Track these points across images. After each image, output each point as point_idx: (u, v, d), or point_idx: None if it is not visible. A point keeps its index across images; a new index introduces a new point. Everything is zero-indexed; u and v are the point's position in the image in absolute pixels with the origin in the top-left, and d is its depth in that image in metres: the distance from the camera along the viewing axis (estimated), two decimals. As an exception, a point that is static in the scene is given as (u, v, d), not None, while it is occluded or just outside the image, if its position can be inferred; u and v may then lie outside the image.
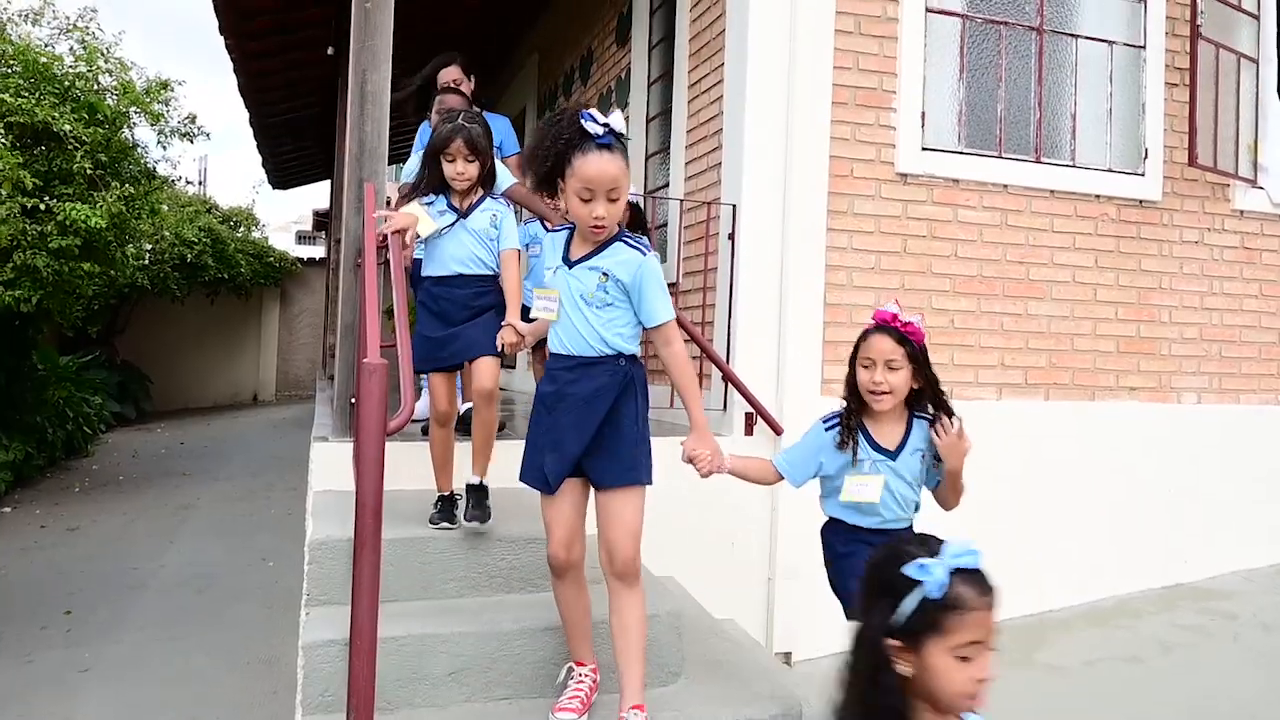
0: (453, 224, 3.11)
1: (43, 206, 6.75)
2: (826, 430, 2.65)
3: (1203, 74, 4.91)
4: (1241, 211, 5.25)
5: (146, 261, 11.27)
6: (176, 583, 5.45)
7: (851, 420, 2.59)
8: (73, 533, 6.41)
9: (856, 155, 4.48)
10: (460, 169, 3.06)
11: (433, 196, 3.15)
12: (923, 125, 4.55)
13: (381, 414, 2.29)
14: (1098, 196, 4.90)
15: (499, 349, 2.76)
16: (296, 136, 10.87)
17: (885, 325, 2.55)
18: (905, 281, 4.59)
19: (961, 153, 4.67)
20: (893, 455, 2.57)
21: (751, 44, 4.28)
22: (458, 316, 3.11)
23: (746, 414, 4.31)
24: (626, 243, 2.41)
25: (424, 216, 3.12)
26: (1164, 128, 5.02)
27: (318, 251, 19.10)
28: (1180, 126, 5.05)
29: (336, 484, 3.81)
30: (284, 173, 12.59)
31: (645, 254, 2.40)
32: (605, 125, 2.26)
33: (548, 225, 3.08)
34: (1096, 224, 4.92)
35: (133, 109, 8.25)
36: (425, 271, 3.20)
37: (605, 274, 2.37)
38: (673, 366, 2.47)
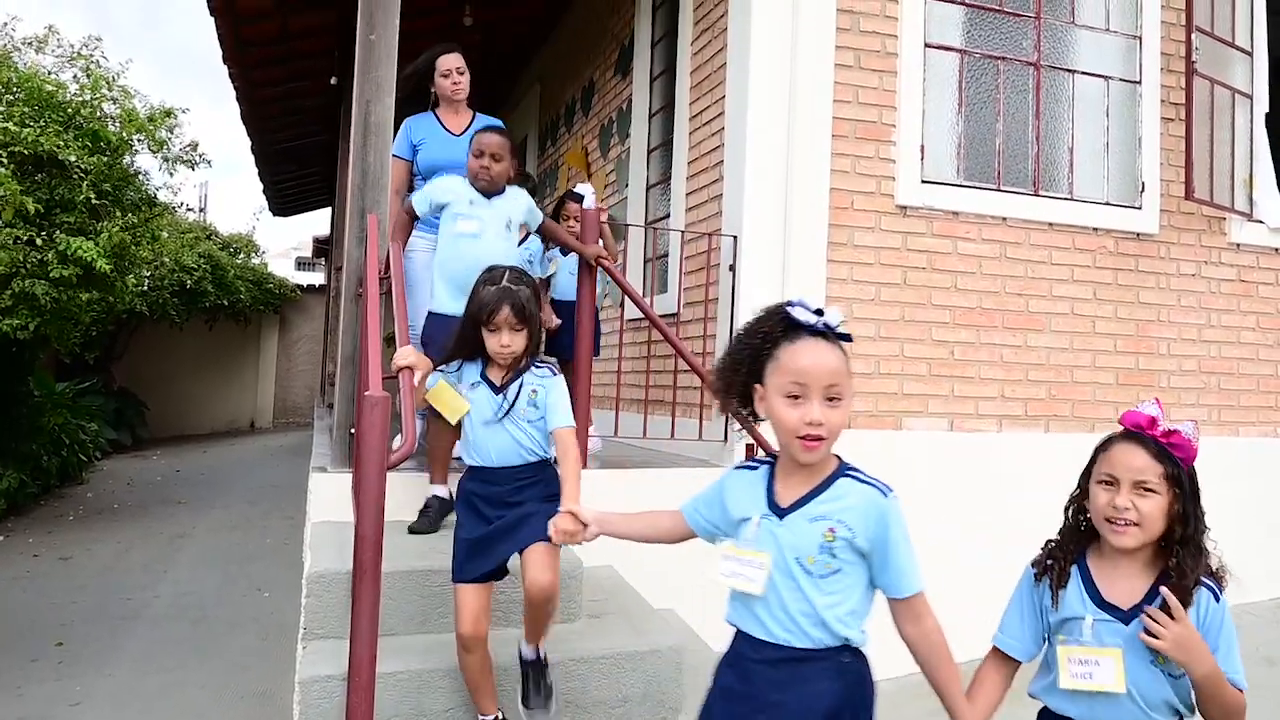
0: (497, 417, 2.59)
1: (39, 240, 6.75)
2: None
3: (1198, 109, 4.96)
4: (1238, 245, 5.28)
5: (146, 288, 11.27)
6: (170, 613, 5.40)
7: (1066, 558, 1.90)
8: (66, 562, 6.36)
9: (857, 188, 4.51)
10: (506, 341, 2.54)
11: (458, 363, 2.68)
12: (922, 158, 4.58)
13: (383, 447, 2.28)
14: (1095, 229, 4.93)
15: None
16: (298, 164, 10.93)
17: (1139, 433, 1.81)
18: (905, 313, 4.60)
19: (961, 185, 4.69)
20: (1125, 618, 1.77)
21: (753, 77, 4.32)
22: (501, 512, 2.59)
23: (747, 445, 4.29)
24: (855, 478, 1.74)
25: (453, 397, 2.65)
26: (1160, 161, 5.06)
27: (317, 278, 19.15)
28: (1176, 160, 5.09)
29: (335, 515, 3.79)
30: (285, 200, 12.65)
31: (887, 494, 1.73)
32: (819, 313, 1.70)
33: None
34: (1095, 256, 4.94)
35: (136, 136, 8.29)
36: (466, 459, 2.71)
37: (833, 529, 1.69)
38: (930, 655, 1.80)
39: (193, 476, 9.89)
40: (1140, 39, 5.00)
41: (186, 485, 9.31)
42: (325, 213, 14.52)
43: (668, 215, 5.27)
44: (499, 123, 4.22)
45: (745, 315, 4.30)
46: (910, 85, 4.53)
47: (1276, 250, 5.39)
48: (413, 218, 3.64)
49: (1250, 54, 5.19)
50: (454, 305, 3.17)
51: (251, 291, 13.60)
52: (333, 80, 7.39)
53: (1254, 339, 5.36)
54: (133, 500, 8.46)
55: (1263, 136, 5.31)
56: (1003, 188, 4.77)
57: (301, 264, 25.06)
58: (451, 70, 4.23)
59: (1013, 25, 4.79)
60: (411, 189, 4.23)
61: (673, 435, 4.50)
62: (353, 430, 3.90)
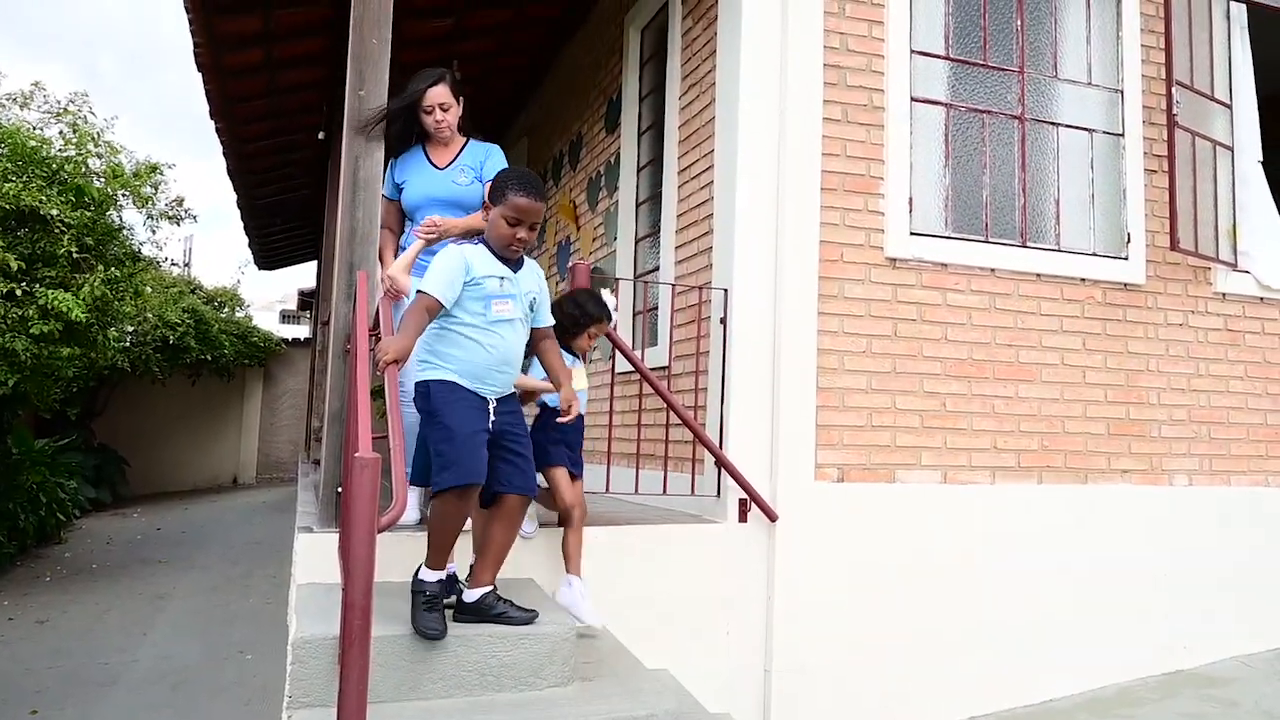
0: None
1: (19, 292, 6.69)
2: None
3: (1180, 161, 5.02)
4: (1224, 294, 5.32)
5: (128, 343, 11.17)
6: (150, 678, 5.25)
7: None
8: (42, 625, 6.18)
9: (846, 240, 4.52)
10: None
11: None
12: (910, 210, 4.60)
13: (373, 510, 2.22)
14: (1083, 279, 4.96)
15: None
16: (284, 218, 10.94)
17: None
18: (896, 365, 4.59)
19: (949, 237, 4.72)
20: None
21: (741, 132, 4.35)
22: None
23: (740, 500, 4.24)
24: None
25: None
26: (1145, 213, 5.11)
27: (302, 331, 19.06)
28: (1160, 211, 5.14)
29: (321, 576, 3.69)
30: (271, 254, 12.63)
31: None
32: None
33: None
34: (1083, 306, 4.96)
35: (121, 192, 8.28)
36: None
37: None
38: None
39: (174, 535, 9.70)
40: (1122, 92, 5.08)
41: (167, 544, 9.13)
42: (311, 266, 14.51)
43: (657, 268, 5.27)
44: (496, 151, 3.94)
45: (737, 367, 4.31)
46: (898, 138, 4.58)
47: (1262, 299, 5.43)
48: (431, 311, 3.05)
49: (1229, 107, 5.28)
50: (451, 376, 2.99)
51: (235, 345, 13.51)
52: (320, 135, 7.42)
53: (1242, 388, 5.38)
54: (112, 560, 8.28)
55: (1259, 185, 5.36)
56: (991, 239, 4.80)
57: (286, 317, 24.99)
58: (434, 108, 3.75)
59: (997, 79, 4.86)
60: (402, 230, 4.02)
61: (665, 490, 4.43)
62: (339, 490, 3.84)
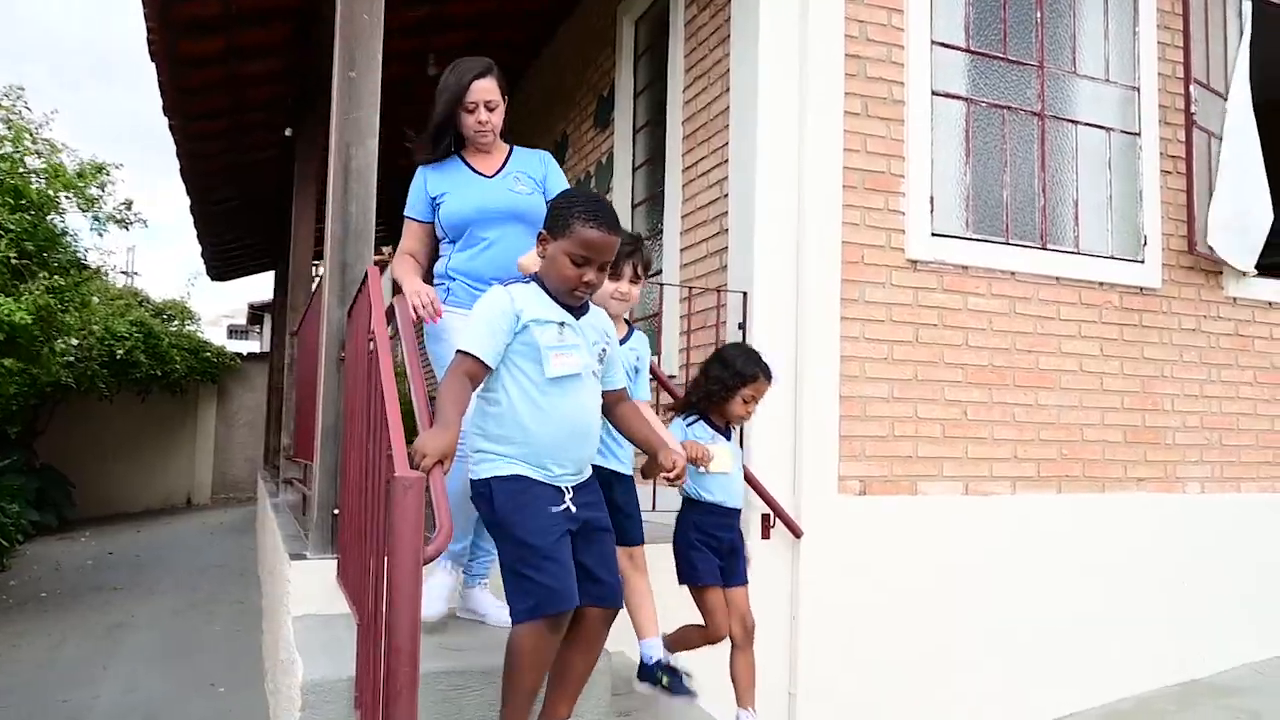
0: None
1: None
2: None
3: (1197, 161, 4.92)
4: (1234, 299, 5.23)
5: (73, 358, 10.57)
6: (115, 715, 4.83)
7: None
8: (-12, 661, 5.70)
9: (867, 241, 4.32)
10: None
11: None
12: (931, 210, 4.42)
13: (418, 541, 1.91)
14: (1101, 284, 4.82)
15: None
16: (242, 224, 10.46)
17: None
18: (918, 372, 4.39)
19: (970, 239, 4.55)
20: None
21: (761, 126, 4.12)
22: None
23: (763, 515, 4.00)
24: None
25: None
26: (1161, 215, 5.00)
27: (251, 346, 18.44)
28: (1174, 214, 5.04)
29: (318, 607, 3.38)
30: (225, 263, 12.10)
31: None
32: None
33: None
34: (1100, 311, 4.83)
35: (63, 194, 7.79)
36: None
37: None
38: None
39: (127, 559, 9.16)
40: (1138, 90, 4.97)
41: (121, 569, 8.60)
42: (264, 278, 14.00)
43: (659, 271, 5.02)
44: (551, 160, 3.26)
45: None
46: (918, 134, 4.39)
47: (1270, 304, 5.36)
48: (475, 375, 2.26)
49: (1232, 104, 5.20)
50: (513, 465, 2.25)
51: (187, 361, 12.91)
52: (287, 132, 7.01)
53: (1251, 394, 5.29)
54: (62, 588, 7.75)
55: (1242, 168, 5.25)
56: (1011, 241, 4.64)
57: (234, 332, 24.22)
58: (479, 105, 3.03)
59: (1017, 74, 4.71)
60: (435, 257, 3.25)
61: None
62: (336, 512, 3.52)
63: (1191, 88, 4.89)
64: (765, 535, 4.02)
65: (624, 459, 2.87)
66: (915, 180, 4.39)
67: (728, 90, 4.44)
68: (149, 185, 18.38)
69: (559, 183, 3.18)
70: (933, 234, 4.42)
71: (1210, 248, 5.01)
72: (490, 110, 3.06)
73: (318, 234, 7.50)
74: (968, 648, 4.35)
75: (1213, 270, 5.16)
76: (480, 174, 3.11)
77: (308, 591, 3.38)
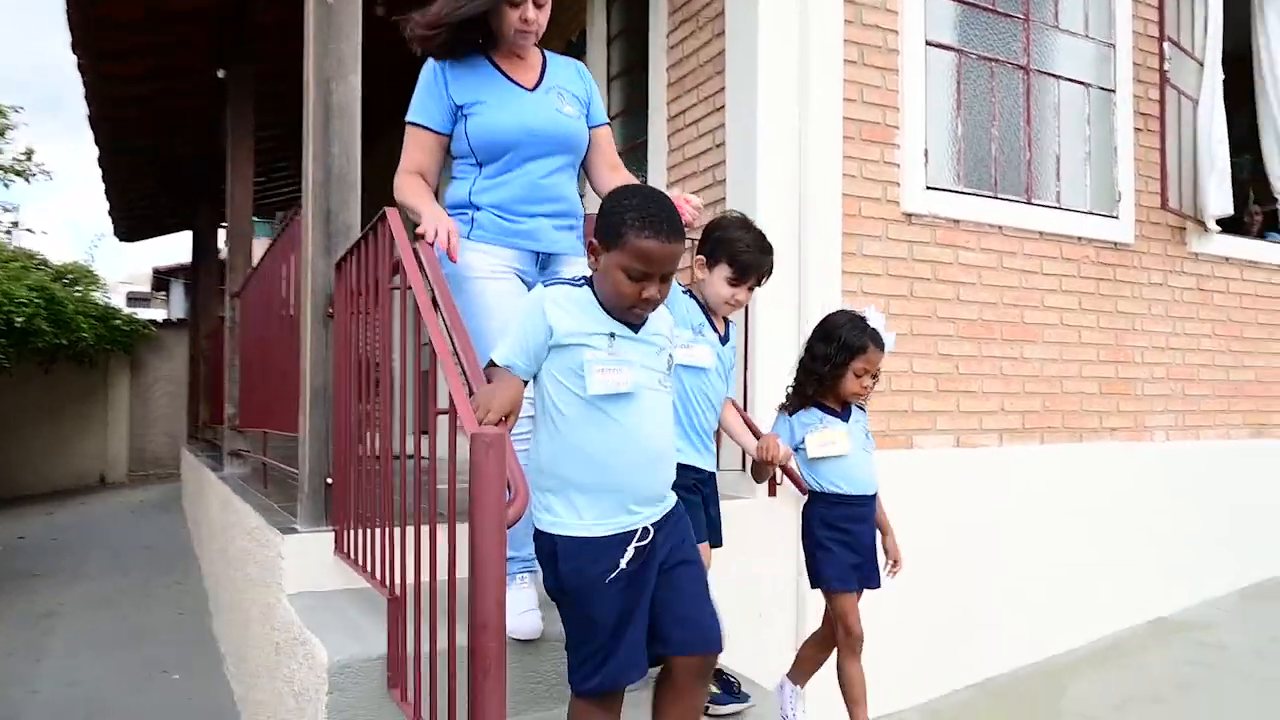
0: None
1: None
2: None
3: (1169, 119, 4.99)
4: (1197, 254, 5.36)
5: (-33, 325, 9.77)
6: (60, 710, 4.46)
7: None
8: (-95, 656, 5.21)
9: (864, 193, 4.24)
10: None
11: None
12: (926, 162, 4.35)
13: (501, 504, 1.73)
14: (1080, 239, 4.86)
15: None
16: (158, 179, 9.77)
17: None
18: (913, 326, 4.35)
19: (961, 192, 4.51)
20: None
21: (762, 74, 3.97)
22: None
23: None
24: None
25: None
26: (1134, 171, 5.06)
27: (156, 314, 17.46)
28: (1146, 170, 5.11)
29: (315, 584, 3.16)
30: (136, 222, 11.33)
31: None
32: None
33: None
34: (1079, 266, 4.87)
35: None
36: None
37: None
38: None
39: (42, 543, 8.54)
40: (1114, 46, 5.00)
41: (38, 554, 8.00)
42: (173, 241, 13.19)
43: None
44: (588, 74, 2.80)
45: (762, 328, 3.96)
46: (913, 85, 4.31)
47: (1227, 259, 5.52)
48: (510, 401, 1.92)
49: (1202, 64, 5.29)
50: (585, 521, 1.89)
51: (96, 329, 12.06)
52: (219, 74, 6.49)
53: (1210, 345, 5.46)
54: (-27, 575, 7.17)
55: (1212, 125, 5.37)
56: (999, 195, 4.62)
57: (135, 299, 22.88)
58: (528, 0, 2.51)
59: (1004, 26, 4.67)
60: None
61: (683, 466, 4.05)
62: (329, 480, 3.27)
63: (1165, 45, 4.94)
64: (771, 492, 3.94)
65: (712, 454, 2.71)
66: (910, 132, 4.32)
67: (720, 34, 4.26)
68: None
69: (602, 109, 2.79)
70: (927, 187, 4.36)
71: (1183, 205, 5.10)
72: (539, 8, 2.53)
73: (257, 187, 7.04)
74: (961, 597, 4.38)
75: (1178, 226, 5.26)
76: (519, 85, 2.60)
77: (304, 567, 3.15)
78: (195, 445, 9.38)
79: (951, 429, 4.48)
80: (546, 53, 2.76)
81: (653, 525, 1.92)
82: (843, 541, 2.79)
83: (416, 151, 2.63)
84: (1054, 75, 4.85)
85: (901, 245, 4.33)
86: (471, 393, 1.94)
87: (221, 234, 9.37)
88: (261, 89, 6.59)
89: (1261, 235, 6.19)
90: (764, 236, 2.65)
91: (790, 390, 2.94)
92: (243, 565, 4.33)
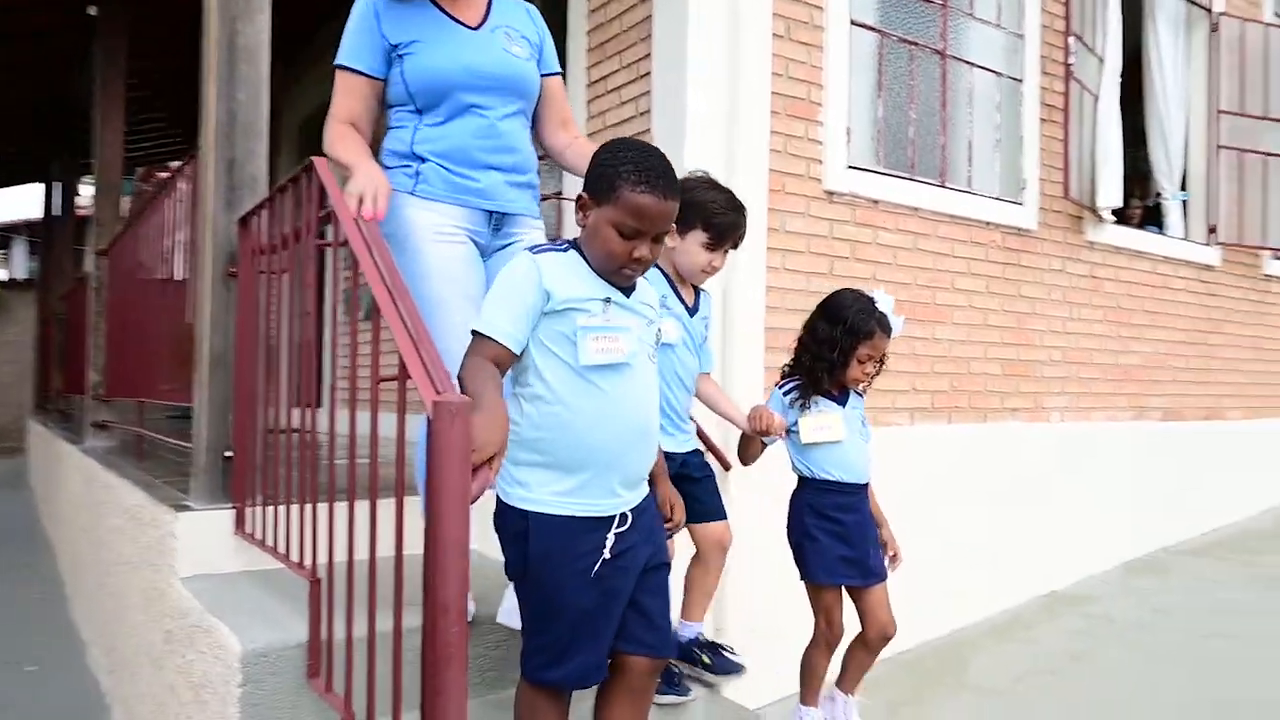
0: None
1: None
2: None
3: (1073, 111, 5.14)
4: (1092, 243, 5.57)
5: None
6: (-101, 709, 4.02)
7: None
8: None
9: (788, 170, 4.19)
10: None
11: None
12: (848, 141, 4.34)
13: (466, 479, 1.57)
14: (988, 223, 4.97)
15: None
16: (6, 124, 8.90)
17: None
18: (832, 304, 4.34)
19: (881, 173, 4.53)
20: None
21: (691, 40, 3.86)
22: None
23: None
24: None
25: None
26: (1039, 160, 5.20)
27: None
28: (1049, 160, 5.26)
29: (212, 566, 2.93)
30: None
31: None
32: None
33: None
34: (987, 250, 4.98)
35: None
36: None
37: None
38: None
39: None
40: (1023, 38, 5.11)
41: None
42: (14, 194, 12.11)
43: (559, 193, 4.66)
44: (537, 14, 2.58)
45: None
46: (837, 62, 4.29)
47: (1118, 249, 5.76)
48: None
49: (1103, 61, 5.47)
50: (562, 494, 1.77)
51: (-74, 289, 10.99)
52: (90, 10, 5.89)
53: (1102, 330, 5.69)
54: None
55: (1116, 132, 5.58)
56: (916, 177, 4.66)
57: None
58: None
59: (924, 10, 4.70)
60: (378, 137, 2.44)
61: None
62: (228, 454, 3.01)
63: (1070, 40, 5.08)
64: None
65: (688, 434, 2.63)
66: (833, 109, 4.29)
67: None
68: None
69: (554, 56, 2.59)
70: (849, 166, 4.35)
71: (1081, 195, 5.27)
72: None
73: (126, 138, 6.48)
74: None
75: (1076, 215, 5.45)
76: (461, 23, 2.38)
77: (199, 548, 2.92)
78: (45, 416, 8.66)
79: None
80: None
81: (631, 511, 1.81)
82: (833, 532, 2.65)
83: (348, 98, 2.39)
84: (968, 62, 4.92)
85: (823, 223, 4.31)
86: (421, 358, 1.75)
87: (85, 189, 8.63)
88: (138, 30, 6.04)
89: (1141, 227, 6.50)
90: (735, 195, 2.56)
91: (787, 368, 2.83)
92: (115, 546, 3.98)
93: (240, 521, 2.89)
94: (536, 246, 1.84)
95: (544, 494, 1.75)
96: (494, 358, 1.72)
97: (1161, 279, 6.12)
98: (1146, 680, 4.30)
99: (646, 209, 1.71)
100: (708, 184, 2.54)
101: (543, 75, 2.53)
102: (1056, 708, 4.01)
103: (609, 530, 1.75)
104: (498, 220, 2.43)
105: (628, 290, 1.82)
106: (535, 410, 1.76)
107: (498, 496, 1.82)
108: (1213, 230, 6.45)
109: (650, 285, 1.94)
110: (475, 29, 2.40)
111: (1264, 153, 6.57)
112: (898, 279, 4.58)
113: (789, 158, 4.19)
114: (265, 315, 2.74)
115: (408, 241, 2.32)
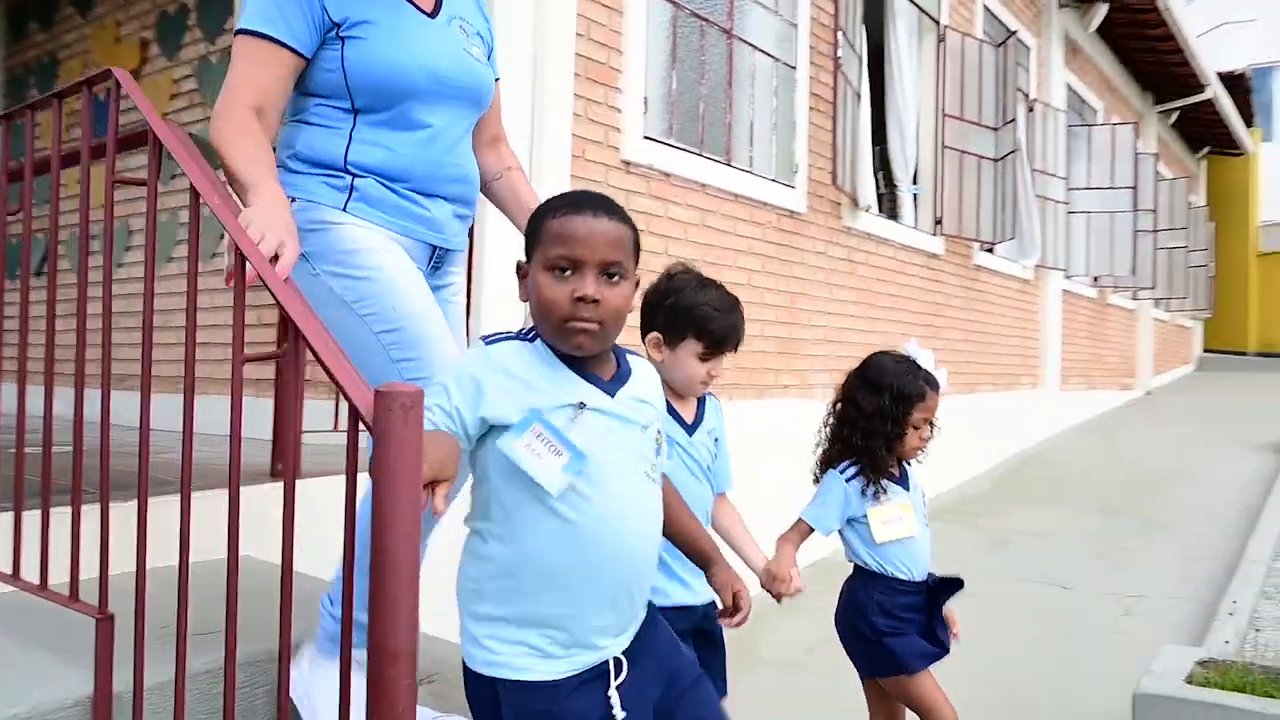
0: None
1: None
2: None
3: (839, 103, 5.43)
4: (849, 229, 5.93)
5: None
6: None
7: None
8: None
9: (588, 135, 4.06)
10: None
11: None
12: (645, 111, 4.28)
13: (418, 486, 1.23)
14: (766, 204, 5.12)
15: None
16: None
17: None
18: (628, 278, 4.27)
19: (674, 146, 4.52)
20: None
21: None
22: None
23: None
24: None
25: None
26: (809, 147, 5.44)
27: None
28: (817, 147, 5.52)
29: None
30: None
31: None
32: None
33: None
34: (764, 230, 5.14)
35: None
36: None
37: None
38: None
39: None
40: (797, 27, 5.31)
41: None
42: None
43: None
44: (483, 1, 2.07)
45: (489, 276, 3.62)
46: (636, 28, 4.22)
47: (870, 235, 6.18)
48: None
49: (861, 58, 5.83)
50: (533, 653, 1.37)
51: None
52: None
53: (856, 312, 6.08)
54: None
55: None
56: (704, 154, 4.69)
57: None
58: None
59: (714, -12, 4.74)
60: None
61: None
62: (12, 450, 2.39)
63: (838, 34, 5.36)
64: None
65: (700, 575, 1.85)
66: (632, 77, 4.22)
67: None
68: None
69: (496, 57, 2.06)
70: (645, 137, 4.30)
71: (844, 182, 5.58)
72: None
73: None
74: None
75: (837, 201, 5.77)
76: (418, 8, 1.86)
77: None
78: None
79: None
80: None
81: (624, 655, 1.43)
82: (913, 619, 2.37)
83: (260, 72, 1.74)
84: (750, 44, 5.04)
85: (620, 194, 4.21)
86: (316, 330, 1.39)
87: None
88: None
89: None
90: (726, 291, 2.17)
91: (831, 449, 2.57)
92: None
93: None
94: (493, 337, 1.43)
95: (514, 658, 1.37)
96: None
97: (899, 265, 6.65)
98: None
99: (573, 230, 1.35)
100: (696, 283, 2.14)
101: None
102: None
103: (606, 688, 1.39)
104: (439, 257, 1.97)
105: (613, 385, 1.43)
106: (497, 556, 1.39)
107: (463, 661, 1.44)
108: (939, 222, 7.11)
109: (653, 374, 1.53)
110: (432, 17, 1.89)
111: (976, 154, 7.35)
112: (687, 254, 4.57)
113: (589, 123, 4.06)
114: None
115: (353, 257, 1.75)
